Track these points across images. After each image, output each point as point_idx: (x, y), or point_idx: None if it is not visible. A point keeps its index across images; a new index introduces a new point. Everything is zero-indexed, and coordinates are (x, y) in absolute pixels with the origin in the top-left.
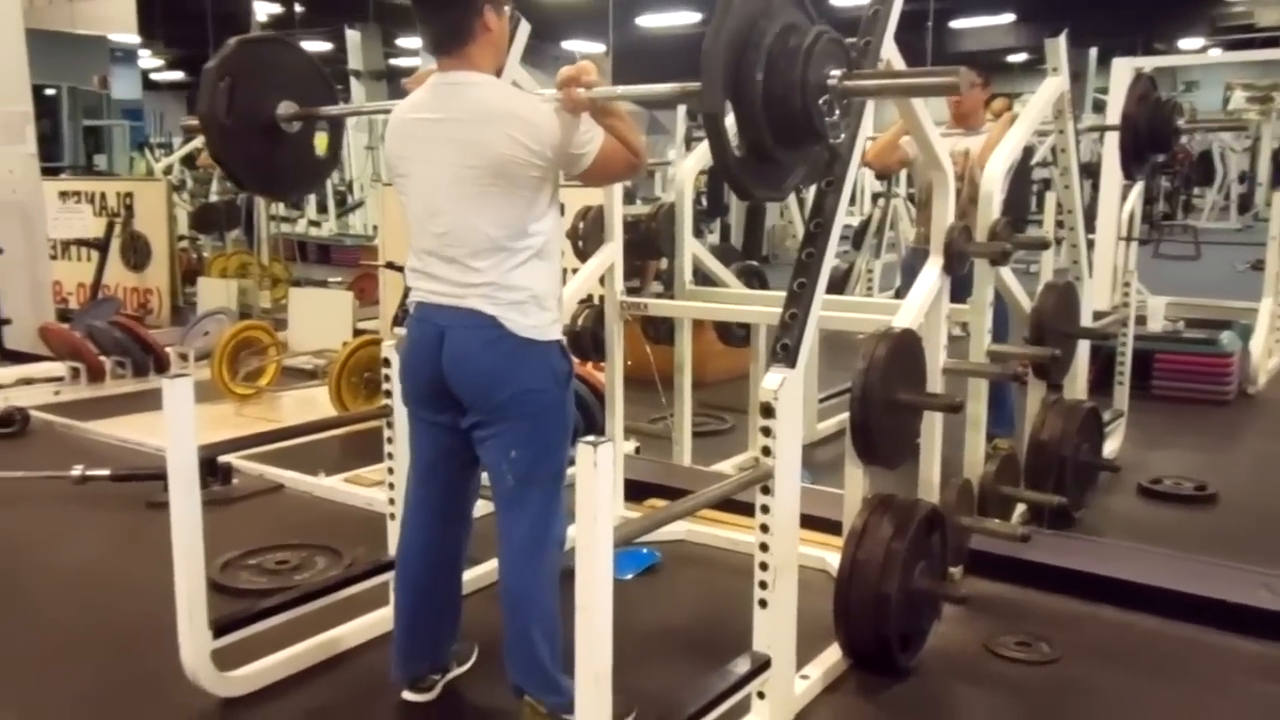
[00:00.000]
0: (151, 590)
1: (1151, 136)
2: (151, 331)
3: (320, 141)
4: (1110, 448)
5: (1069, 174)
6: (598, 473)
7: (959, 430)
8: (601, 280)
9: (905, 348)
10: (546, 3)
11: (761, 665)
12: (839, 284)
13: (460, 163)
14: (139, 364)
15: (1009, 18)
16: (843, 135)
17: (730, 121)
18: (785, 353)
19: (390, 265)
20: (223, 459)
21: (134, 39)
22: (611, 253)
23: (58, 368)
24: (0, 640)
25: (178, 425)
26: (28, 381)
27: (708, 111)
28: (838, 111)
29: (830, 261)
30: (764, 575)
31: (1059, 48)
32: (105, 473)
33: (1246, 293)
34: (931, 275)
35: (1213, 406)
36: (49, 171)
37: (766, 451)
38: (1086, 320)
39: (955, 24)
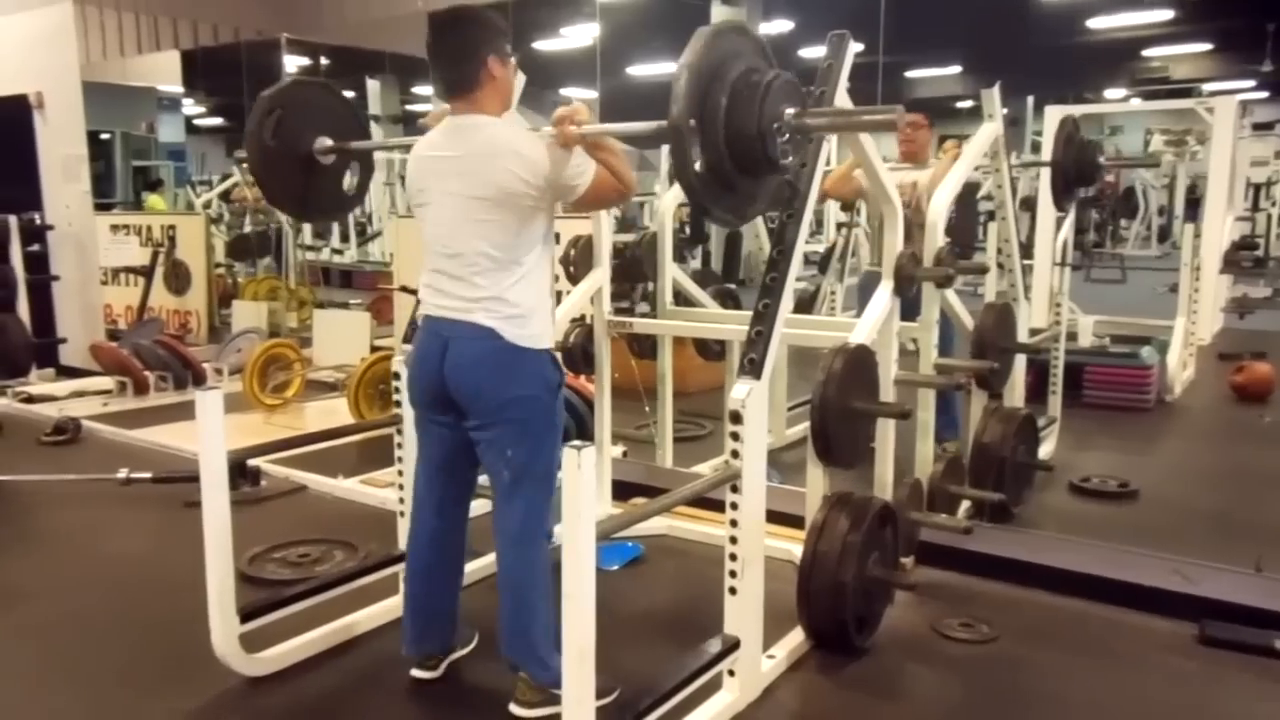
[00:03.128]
0: (187, 580)
1: (1078, 173)
2: (190, 349)
3: (349, 179)
4: (1045, 450)
5: (1005, 207)
6: (582, 474)
7: (911, 435)
8: (592, 301)
9: (860, 361)
10: (545, 55)
11: (731, 646)
12: (806, 305)
13: (468, 193)
14: (179, 378)
15: (956, 69)
16: (794, 164)
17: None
18: (752, 366)
19: (404, 289)
20: (252, 463)
21: (178, 89)
22: (600, 276)
23: (107, 382)
24: (52, 622)
25: (209, 432)
26: (80, 394)
27: (673, 125)
28: (790, 143)
29: (793, 284)
30: (733, 565)
31: (994, 97)
32: (147, 475)
33: (1165, 312)
34: (883, 296)
35: (1135, 413)
36: (103, 207)
37: (735, 454)
38: (1023, 336)
39: (910, 74)
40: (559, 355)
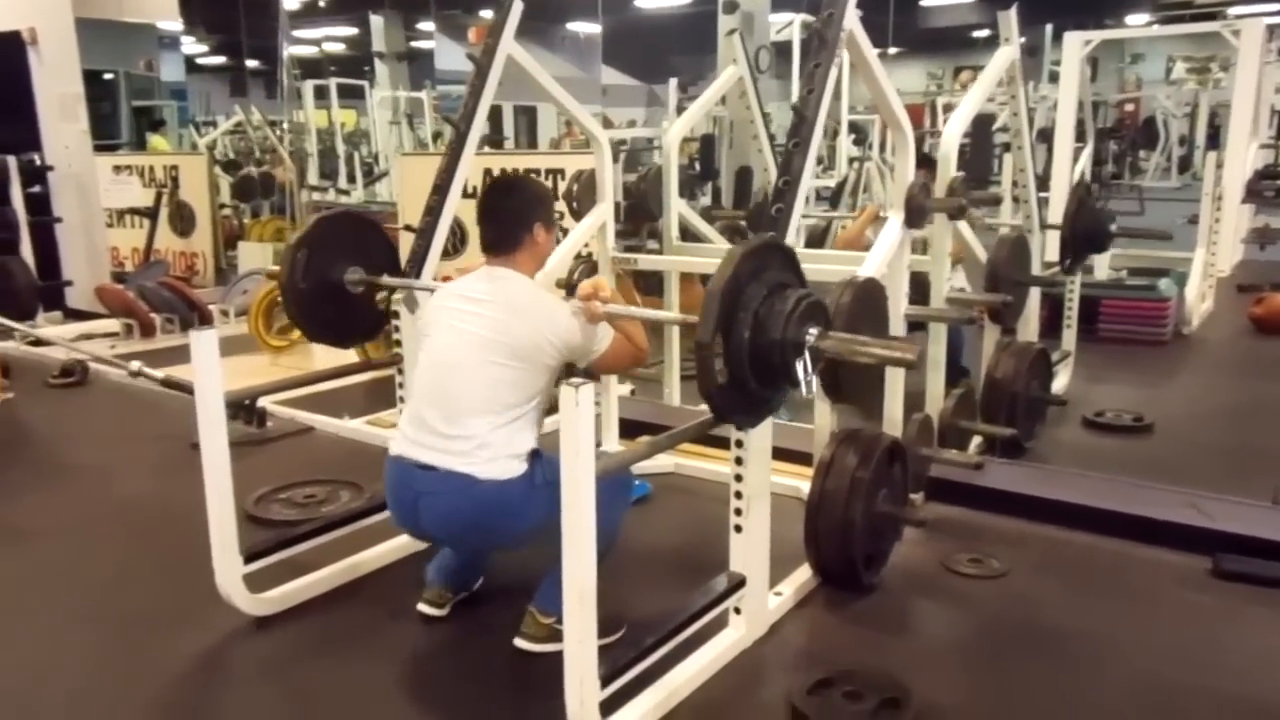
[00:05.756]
0: (197, 521)
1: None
2: (196, 291)
3: (384, 295)
4: (1059, 384)
5: (1021, 136)
6: (579, 411)
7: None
8: (596, 238)
9: (869, 295)
10: None
11: (737, 584)
12: (818, 239)
13: (488, 335)
14: (185, 320)
15: None
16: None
17: None
18: None
19: (408, 228)
20: (258, 404)
21: (177, 26)
22: (603, 212)
23: (114, 324)
24: (61, 562)
25: (205, 372)
26: (87, 337)
27: (700, 341)
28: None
29: (798, 215)
30: (738, 503)
31: (1010, 19)
32: (158, 375)
33: (1184, 245)
34: (894, 229)
35: (1151, 347)
36: (108, 148)
37: None
38: (1037, 270)
39: (925, 2)
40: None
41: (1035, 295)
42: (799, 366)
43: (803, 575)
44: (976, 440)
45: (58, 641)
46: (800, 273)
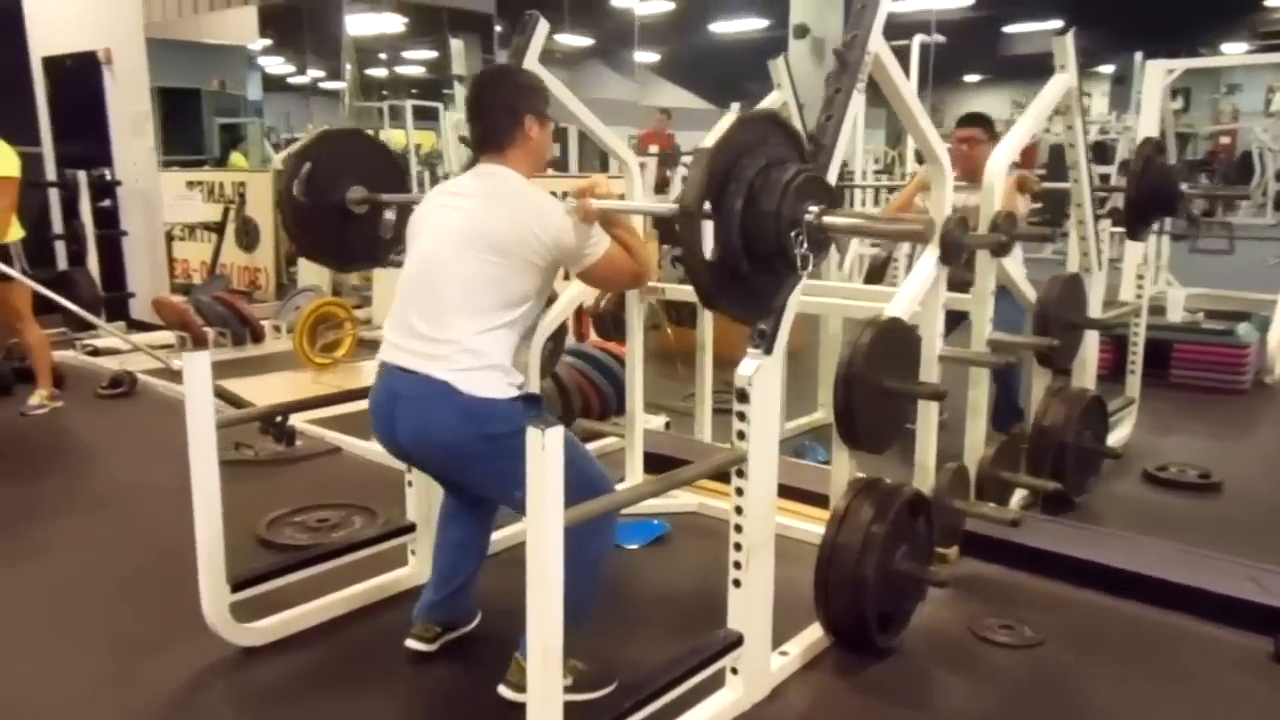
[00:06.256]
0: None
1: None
2: (251, 305)
3: (387, 221)
4: (1118, 435)
5: (1078, 169)
6: (546, 456)
7: (963, 417)
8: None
9: (893, 336)
10: (622, 15)
11: (733, 643)
12: (878, 273)
13: (472, 229)
14: (237, 334)
15: (1058, 23)
16: (815, 264)
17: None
18: (762, 339)
19: None
20: (289, 422)
21: (257, 45)
22: None
23: (169, 336)
24: (69, 578)
25: (195, 397)
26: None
27: (684, 209)
28: (811, 245)
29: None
30: (738, 555)
31: (1066, 45)
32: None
33: (1272, 286)
34: (928, 264)
35: (1227, 396)
36: (194, 164)
37: (741, 436)
38: (1095, 311)
39: (1008, 29)
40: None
41: (1093, 338)
42: (795, 244)
43: (814, 634)
44: (1021, 493)
45: (36, 659)
46: (804, 152)
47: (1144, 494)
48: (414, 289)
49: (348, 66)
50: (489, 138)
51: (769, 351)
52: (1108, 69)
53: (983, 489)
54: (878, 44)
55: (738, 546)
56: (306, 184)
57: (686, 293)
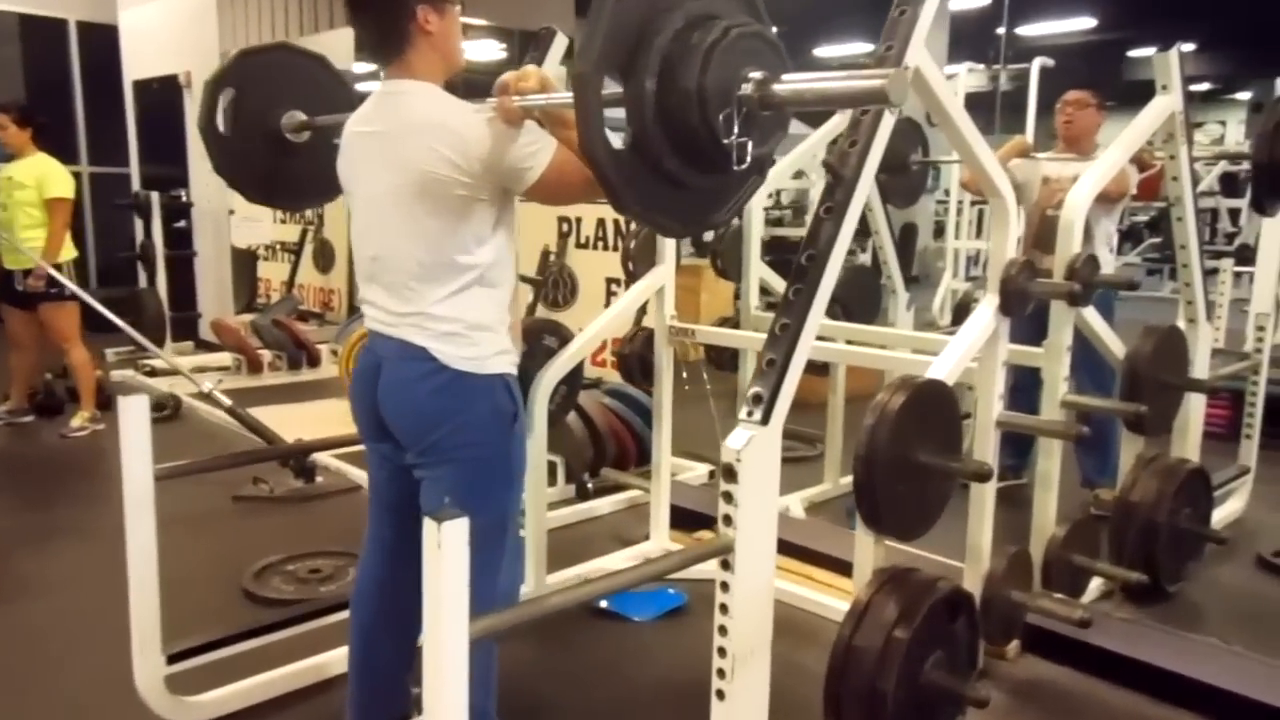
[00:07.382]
0: (188, 588)
1: None
2: (308, 329)
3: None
4: (1227, 510)
5: (1182, 205)
6: (442, 554)
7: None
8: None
9: (929, 401)
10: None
11: None
12: (966, 312)
13: (390, 180)
14: (292, 358)
15: (1191, 45)
16: (764, 155)
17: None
18: (756, 405)
19: (524, 279)
20: (309, 459)
21: (352, 67)
22: (662, 274)
23: (227, 359)
24: (42, 623)
25: (131, 445)
26: (201, 370)
27: (576, 71)
28: (751, 124)
29: (824, 299)
30: (721, 663)
31: (1170, 64)
32: (226, 401)
33: None
34: (984, 316)
35: None
36: None
37: (728, 520)
38: (1201, 369)
39: (1133, 53)
40: (514, 375)
41: (1198, 401)
42: (725, 125)
43: None
44: (1099, 581)
45: None
46: (764, 16)
47: (1256, 583)
48: (364, 260)
49: None
50: (380, 44)
51: (765, 421)
52: (1245, 95)
53: (1051, 575)
54: (920, 56)
55: (722, 652)
56: (232, 115)
57: (723, 337)
